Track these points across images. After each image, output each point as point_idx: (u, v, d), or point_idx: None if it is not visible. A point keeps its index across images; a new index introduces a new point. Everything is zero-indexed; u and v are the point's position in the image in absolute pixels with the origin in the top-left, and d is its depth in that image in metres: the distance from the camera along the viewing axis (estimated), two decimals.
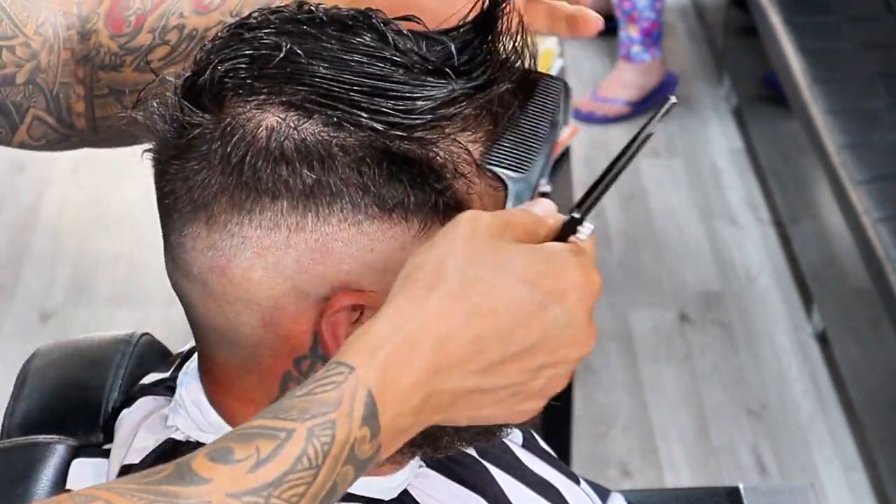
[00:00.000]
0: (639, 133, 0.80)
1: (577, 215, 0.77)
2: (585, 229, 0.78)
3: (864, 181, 2.51)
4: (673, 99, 0.82)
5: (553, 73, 2.48)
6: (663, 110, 0.80)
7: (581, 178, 3.33)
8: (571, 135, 2.28)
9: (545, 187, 2.15)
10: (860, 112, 2.73)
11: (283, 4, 0.85)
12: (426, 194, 0.78)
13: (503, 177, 0.81)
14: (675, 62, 3.81)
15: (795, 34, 3.00)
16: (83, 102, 0.98)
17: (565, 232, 0.77)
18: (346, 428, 0.67)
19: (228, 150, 0.77)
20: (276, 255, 0.78)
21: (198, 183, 0.79)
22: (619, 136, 3.56)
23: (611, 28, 3.83)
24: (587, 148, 3.48)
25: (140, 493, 0.64)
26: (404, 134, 0.77)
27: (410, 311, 0.70)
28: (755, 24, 3.28)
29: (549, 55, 2.50)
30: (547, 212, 0.78)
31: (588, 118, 3.58)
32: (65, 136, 1.00)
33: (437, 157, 0.78)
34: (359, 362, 0.69)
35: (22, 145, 1.00)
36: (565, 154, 2.26)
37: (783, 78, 3.00)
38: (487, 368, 0.71)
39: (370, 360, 0.69)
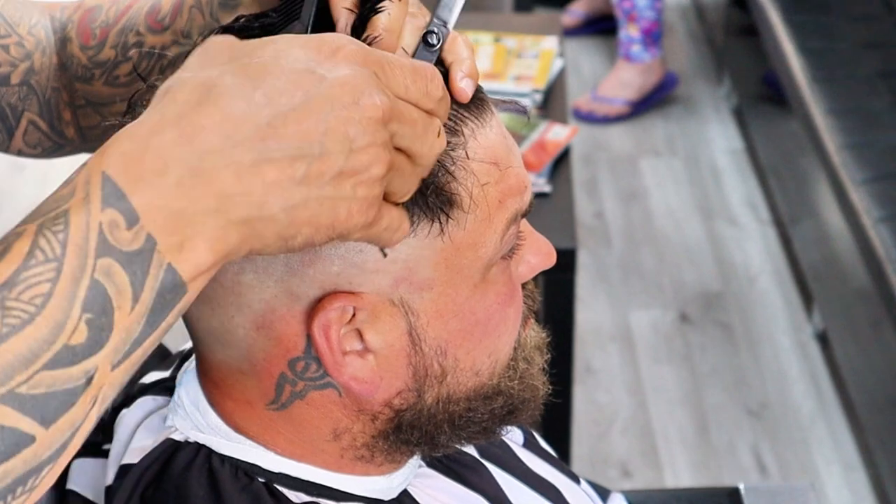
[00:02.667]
0: None
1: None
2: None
3: (864, 181, 2.51)
4: None
5: (553, 72, 2.48)
6: None
7: (581, 177, 3.34)
8: (571, 134, 2.28)
9: (545, 188, 2.16)
10: (860, 112, 2.73)
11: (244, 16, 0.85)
12: (414, 191, 0.78)
13: None
14: (675, 62, 3.81)
15: (795, 34, 3.00)
16: (69, 110, 0.98)
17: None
18: (82, 213, 0.61)
19: None
20: (265, 258, 0.78)
21: None
22: (619, 135, 3.56)
23: (611, 28, 3.83)
24: (587, 148, 3.48)
25: None
26: None
27: (147, 114, 0.65)
28: (755, 24, 3.28)
29: (548, 55, 2.50)
30: None
31: (588, 118, 3.58)
32: (58, 144, 1.01)
33: None
34: (92, 158, 0.64)
35: (20, 153, 1.00)
36: (565, 154, 2.26)
37: (783, 78, 3.00)
38: (256, 135, 0.64)
39: (103, 150, 0.64)
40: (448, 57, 0.81)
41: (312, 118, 0.66)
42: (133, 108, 0.82)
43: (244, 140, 0.65)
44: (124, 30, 0.94)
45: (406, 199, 0.73)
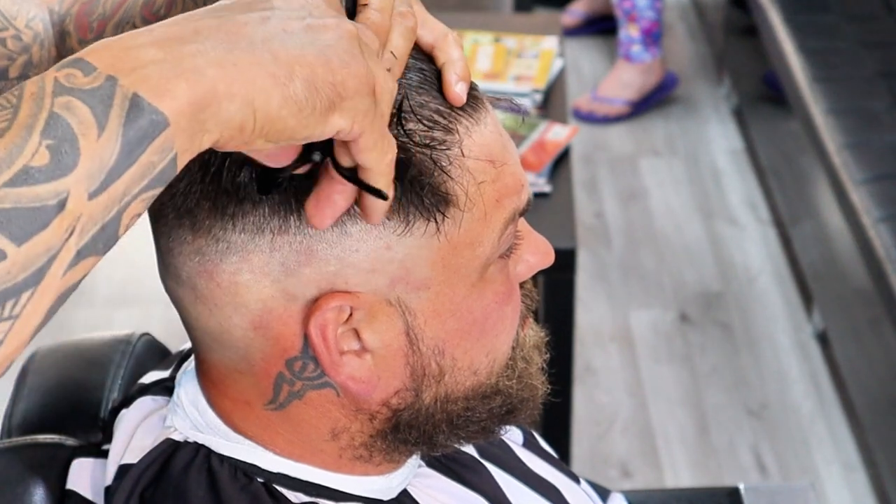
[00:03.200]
0: None
1: None
2: None
3: (864, 181, 2.51)
4: None
5: (553, 72, 2.48)
6: None
7: (581, 177, 3.34)
8: (571, 134, 2.28)
9: (545, 188, 2.16)
10: (860, 112, 2.73)
11: None
12: (408, 192, 0.78)
13: None
14: (675, 62, 3.81)
15: (795, 34, 3.00)
16: None
17: None
18: (37, 78, 0.62)
19: (207, 157, 0.77)
20: (261, 259, 0.78)
21: (180, 190, 0.78)
22: (619, 135, 3.56)
23: (611, 28, 3.83)
24: (587, 148, 3.48)
25: None
26: None
27: None
28: (755, 24, 3.28)
29: (548, 55, 2.50)
30: None
31: (588, 118, 3.58)
32: None
33: (416, 154, 0.78)
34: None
35: None
36: (565, 154, 2.26)
37: (783, 77, 3.00)
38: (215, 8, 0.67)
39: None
40: (440, 57, 0.80)
41: None
42: None
43: (202, 13, 0.67)
44: (121, 23, 0.94)
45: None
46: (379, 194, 0.72)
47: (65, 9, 0.98)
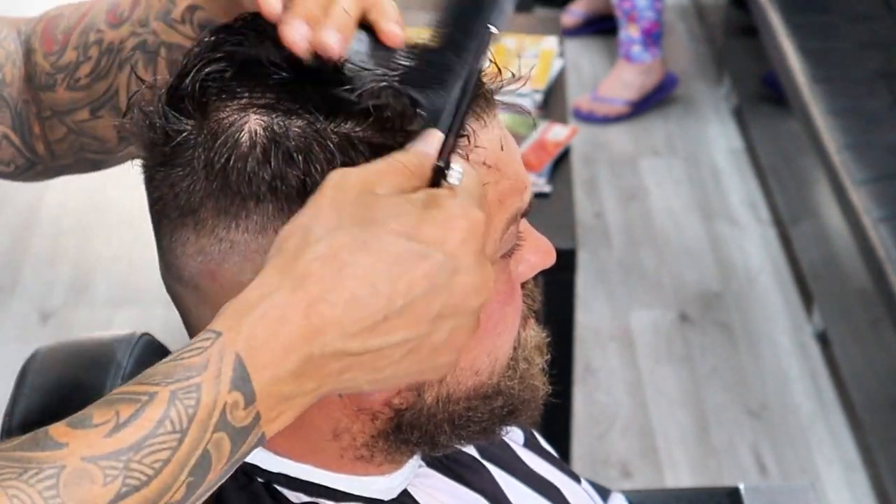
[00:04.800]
0: (472, 72, 0.76)
1: (440, 164, 0.74)
2: (454, 172, 0.74)
3: (864, 181, 2.51)
4: (493, 30, 0.77)
5: (553, 72, 2.48)
6: (487, 42, 0.77)
7: (581, 177, 3.34)
8: (571, 134, 2.28)
9: (545, 188, 2.16)
10: (860, 112, 2.73)
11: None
12: None
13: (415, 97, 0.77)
14: (675, 62, 3.81)
15: (795, 34, 3.00)
16: (38, 123, 0.98)
17: (436, 180, 0.74)
18: (212, 392, 0.66)
19: (211, 155, 0.77)
20: (264, 259, 0.77)
21: (183, 189, 0.78)
22: (619, 135, 3.56)
23: (611, 28, 3.83)
24: (587, 148, 3.48)
25: None
26: (385, 130, 0.77)
27: (279, 279, 0.69)
28: (755, 24, 3.29)
29: (548, 55, 2.50)
30: (422, 155, 0.74)
31: (588, 118, 3.58)
32: (30, 161, 1.00)
33: None
34: (226, 327, 0.68)
35: None
36: (565, 154, 2.26)
37: (783, 78, 3.00)
38: (371, 328, 0.69)
39: (237, 324, 0.68)
40: (371, 12, 0.80)
41: (431, 306, 0.70)
42: (132, 108, 0.82)
43: (358, 332, 0.69)
44: (85, 30, 0.94)
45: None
46: None
47: (30, 28, 0.98)
